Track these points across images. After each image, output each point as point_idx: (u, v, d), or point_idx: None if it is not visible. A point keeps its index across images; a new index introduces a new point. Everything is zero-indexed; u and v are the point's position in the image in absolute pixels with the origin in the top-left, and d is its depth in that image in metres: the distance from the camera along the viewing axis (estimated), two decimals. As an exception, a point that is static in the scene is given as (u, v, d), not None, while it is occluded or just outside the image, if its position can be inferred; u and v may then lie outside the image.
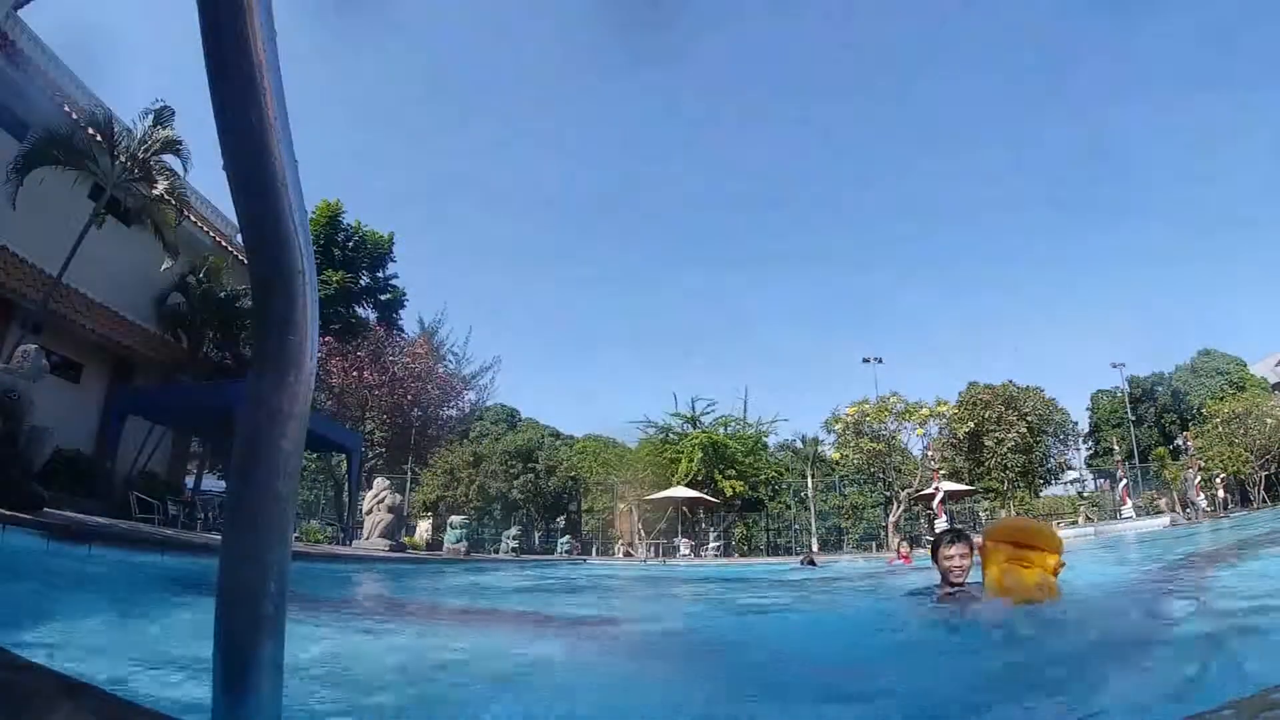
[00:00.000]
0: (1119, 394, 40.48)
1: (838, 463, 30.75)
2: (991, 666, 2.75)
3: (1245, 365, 38.56)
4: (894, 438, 27.67)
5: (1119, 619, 3.87)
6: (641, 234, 74.41)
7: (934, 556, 4.10)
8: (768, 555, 28.62)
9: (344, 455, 18.87)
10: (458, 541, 18.25)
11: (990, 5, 60.24)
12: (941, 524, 21.89)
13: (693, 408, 33.62)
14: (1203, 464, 26.11)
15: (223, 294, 16.63)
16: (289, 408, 0.79)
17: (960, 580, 3.86)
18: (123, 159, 12.40)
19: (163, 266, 14.33)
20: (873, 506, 31.08)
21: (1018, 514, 28.39)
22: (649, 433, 33.90)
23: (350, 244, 27.20)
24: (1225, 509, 24.42)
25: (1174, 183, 61.04)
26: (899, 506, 26.39)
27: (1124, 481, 23.96)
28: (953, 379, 57.40)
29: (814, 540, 29.02)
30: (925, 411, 27.35)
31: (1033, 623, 3.02)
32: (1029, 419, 30.86)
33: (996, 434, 30.38)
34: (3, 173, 11.06)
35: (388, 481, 15.63)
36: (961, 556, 3.92)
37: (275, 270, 0.80)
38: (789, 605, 6.50)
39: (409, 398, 24.87)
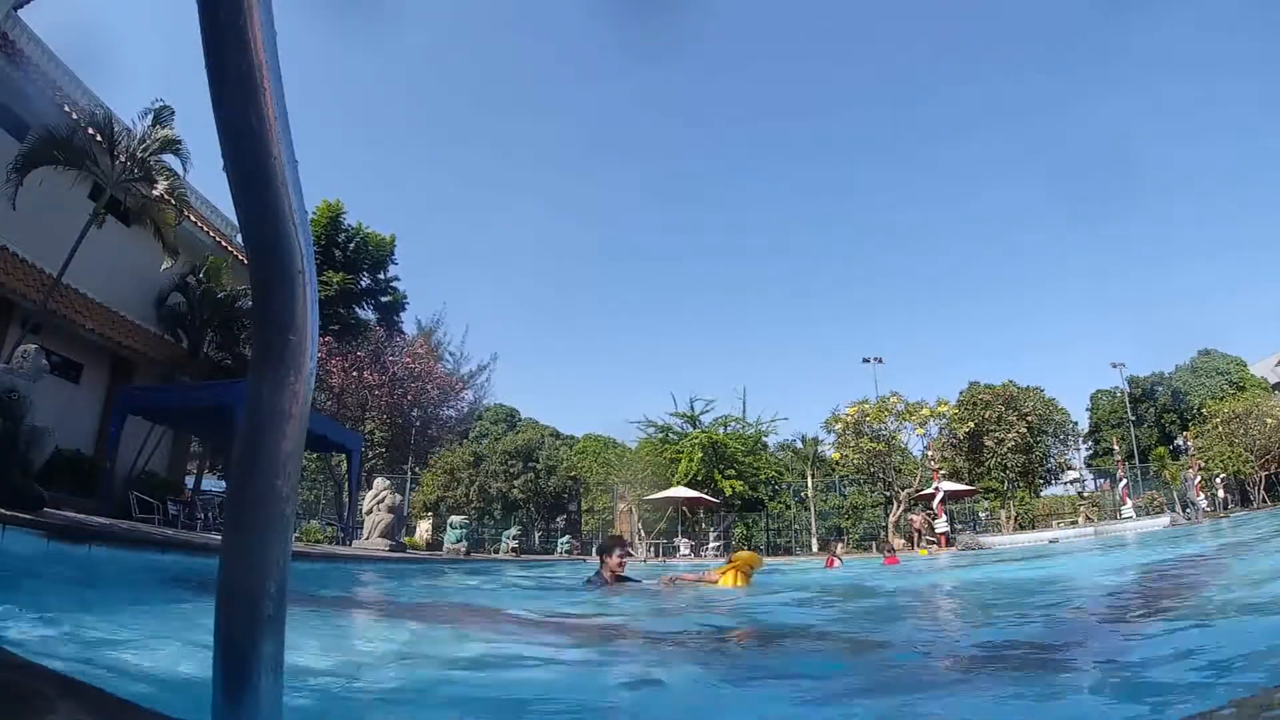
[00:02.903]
0: (1119, 394, 40.48)
1: (838, 463, 30.72)
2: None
3: (1245, 365, 38.55)
4: (894, 438, 27.65)
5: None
6: (642, 232, 74.43)
7: (603, 556, 5.78)
8: (768, 555, 28.59)
9: (344, 455, 18.86)
10: (458, 541, 18.26)
11: (997, 5, 60.24)
12: (941, 524, 21.89)
13: (691, 407, 33.64)
14: (1203, 464, 26.11)
15: (222, 294, 16.62)
16: (289, 408, 0.79)
17: (622, 575, 5.69)
18: (123, 159, 12.39)
19: (163, 267, 14.33)
20: (873, 506, 31.06)
21: (1017, 514, 28.47)
22: (649, 433, 33.91)
23: (351, 245, 27.22)
24: (1225, 509, 24.42)
25: (1175, 182, 61.03)
26: (899, 506, 26.38)
27: (1124, 481, 23.98)
28: (953, 379, 57.44)
29: (814, 539, 29.01)
30: (925, 411, 27.33)
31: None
32: (1029, 419, 30.83)
33: (996, 434, 30.36)
34: (3, 173, 11.06)
35: (388, 481, 15.63)
36: (626, 558, 5.85)
37: (275, 271, 0.79)
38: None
39: (409, 398, 24.90)
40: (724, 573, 5.98)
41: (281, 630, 0.78)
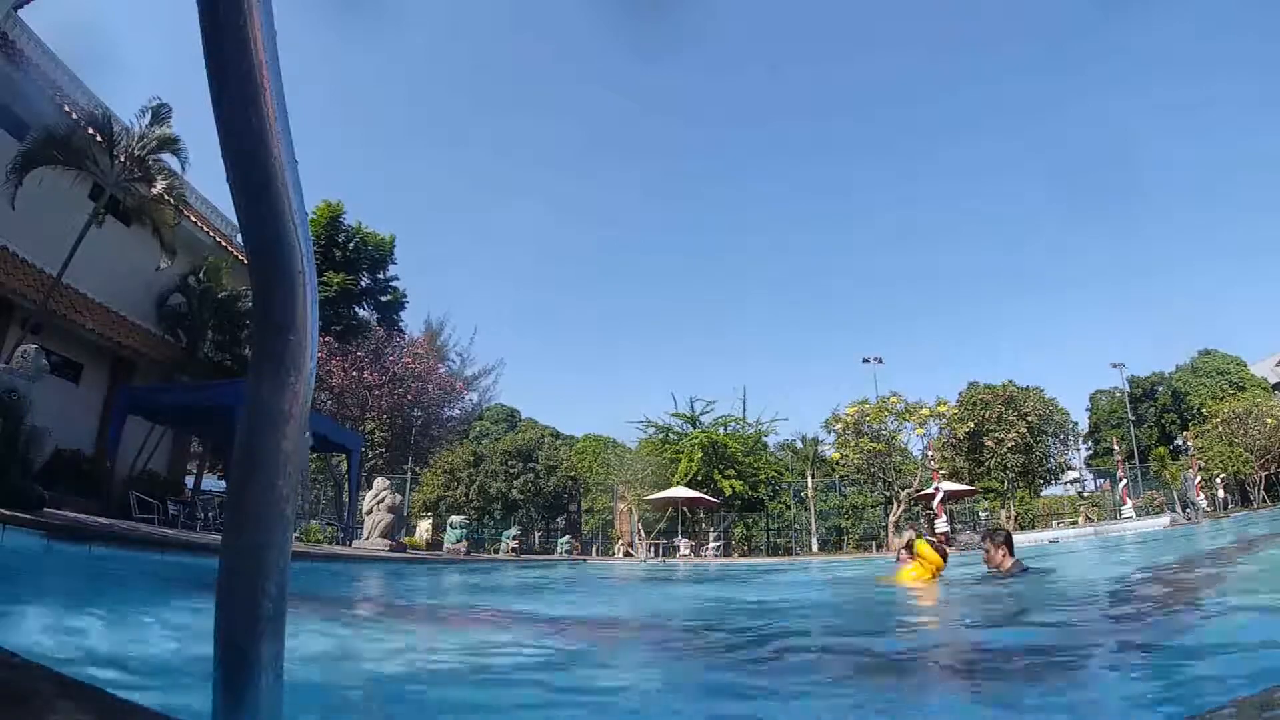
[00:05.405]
0: (1119, 394, 40.51)
1: (838, 463, 30.71)
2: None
3: (1245, 365, 38.55)
4: (894, 438, 27.63)
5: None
6: (641, 231, 74.46)
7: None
8: (768, 555, 28.61)
9: (344, 455, 18.85)
10: (458, 541, 18.26)
11: (997, 5, 60.27)
12: (941, 524, 21.85)
13: (691, 408, 33.64)
14: (1203, 464, 26.11)
15: (222, 294, 16.62)
16: (289, 408, 0.79)
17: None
18: (122, 158, 12.39)
19: (160, 265, 14.32)
20: (873, 506, 31.05)
21: (1017, 514, 28.43)
22: (649, 433, 33.91)
23: (351, 245, 27.21)
24: (1225, 509, 24.42)
25: (1176, 182, 61.07)
26: (899, 506, 26.36)
27: (1124, 481, 23.95)
28: (953, 379, 57.46)
29: (814, 539, 29.01)
30: (925, 411, 27.31)
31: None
32: (1029, 419, 30.82)
33: (996, 434, 30.34)
34: (3, 173, 11.05)
35: (388, 481, 15.62)
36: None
37: (275, 271, 0.79)
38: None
39: (409, 397, 24.90)
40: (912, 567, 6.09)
41: (281, 630, 0.78)
